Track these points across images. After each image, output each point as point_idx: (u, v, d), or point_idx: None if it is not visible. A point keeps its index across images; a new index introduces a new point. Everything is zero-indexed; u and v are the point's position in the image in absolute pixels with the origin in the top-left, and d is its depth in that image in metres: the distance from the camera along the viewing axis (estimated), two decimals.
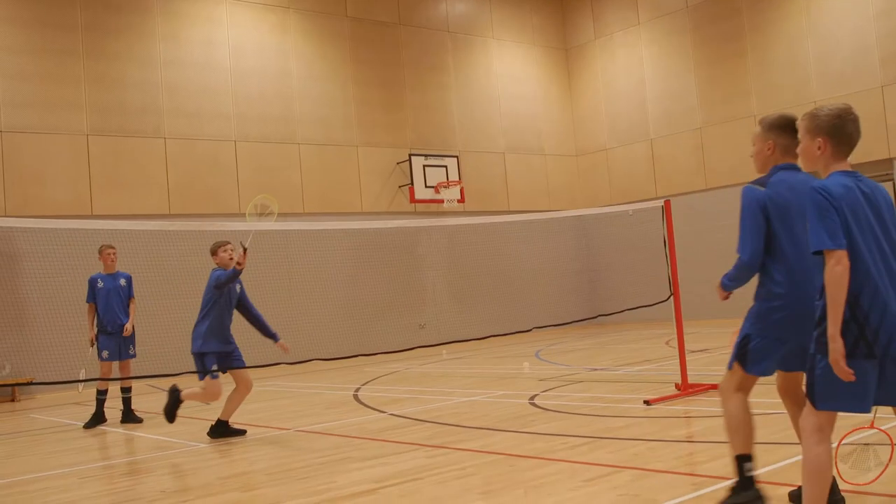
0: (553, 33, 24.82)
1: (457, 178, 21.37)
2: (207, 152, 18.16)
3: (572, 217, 23.25)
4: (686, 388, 8.95)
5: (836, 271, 3.50)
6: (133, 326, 10.57)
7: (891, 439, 4.54)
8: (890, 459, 4.57)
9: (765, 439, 6.28)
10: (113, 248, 10.81)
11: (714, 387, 9.08)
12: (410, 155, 20.81)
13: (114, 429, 10.12)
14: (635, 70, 23.35)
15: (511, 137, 23.35)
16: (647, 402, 8.45)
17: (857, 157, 3.87)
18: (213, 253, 8.87)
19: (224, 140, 18.42)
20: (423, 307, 20.66)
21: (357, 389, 12.19)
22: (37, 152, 16.17)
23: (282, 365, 7.31)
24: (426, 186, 20.88)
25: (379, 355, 7.97)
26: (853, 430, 4.58)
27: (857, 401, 3.60)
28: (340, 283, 19.03)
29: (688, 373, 9.12)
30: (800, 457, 5.48)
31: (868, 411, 3.65)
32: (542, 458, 6.28)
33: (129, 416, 10.42)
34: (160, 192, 17.46)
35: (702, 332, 17.38)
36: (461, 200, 21.32)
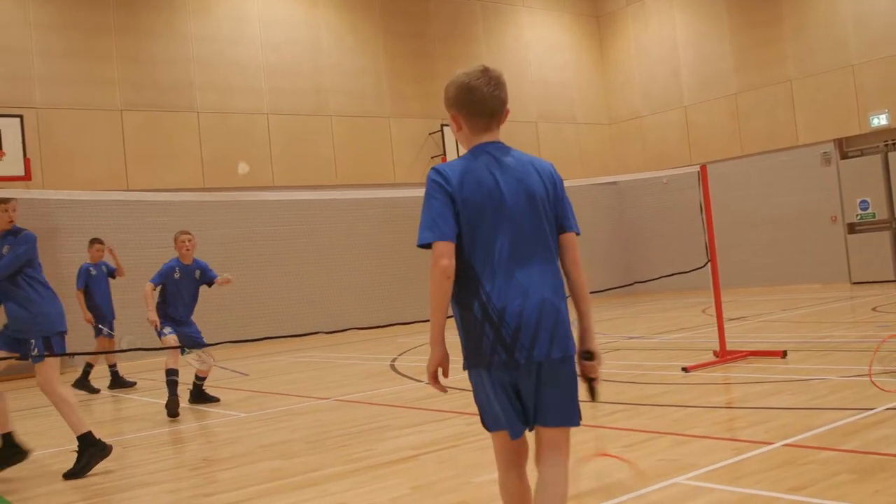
0: (584, 0, 24.53)
1: None
2: (240, 126, 18.23)
3: (606, 185, 23.12)
4: (724, 356, 8.89)
5: (438, 267, 2.93)
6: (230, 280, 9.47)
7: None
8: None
9: (805, 405, 6.24)
10: (189, 234, 9.36)
11: (753, 353, 9.01)
12: (442, 125, 20.73)
13: (141, 397, 10.24)
14: (668, 36, 23.02)
15: (543, 106, 23.16)
16: (685, 370, 8.41)
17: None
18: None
19: (256, 113, 18.48)
20: None
21: (394, 360, 12.25)
22: (72, 129, 16.31)
23: (320, 335, 7.34)
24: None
25: (415, 324, 7.97)
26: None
27: (514, 418, 3.05)
28: (373, 254, 19.08)
29: (726, 340, 9.05)
30: (837, 423, 5.46)
31: (519, 432, 3.10)
32: (582, 425, 6.26)
33: (202, 396, 9.39)
34: (194, 165, 17.57)
35: (737, 300, 17.25)
36: None
